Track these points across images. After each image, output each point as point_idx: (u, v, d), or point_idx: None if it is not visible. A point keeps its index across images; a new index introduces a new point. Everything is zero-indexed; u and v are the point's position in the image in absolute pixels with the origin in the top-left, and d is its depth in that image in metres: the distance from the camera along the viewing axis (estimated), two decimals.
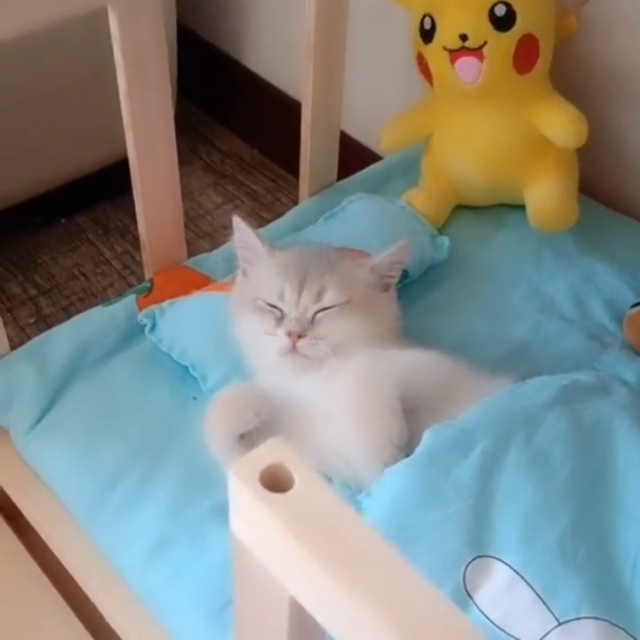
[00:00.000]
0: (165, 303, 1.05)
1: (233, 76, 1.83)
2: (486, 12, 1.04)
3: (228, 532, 0.88)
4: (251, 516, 0.47)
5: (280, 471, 0.47)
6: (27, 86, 1.43)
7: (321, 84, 1.14)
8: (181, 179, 1.09)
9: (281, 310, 0.91)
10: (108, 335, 1.04)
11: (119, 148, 1.63)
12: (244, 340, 0.96)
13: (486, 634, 0.52)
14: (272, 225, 1.21)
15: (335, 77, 1.16)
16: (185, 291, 1.07)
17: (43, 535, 0.98)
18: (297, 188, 1.76)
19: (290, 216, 1.23)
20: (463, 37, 1.05)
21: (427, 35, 1.09)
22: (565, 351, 1.05)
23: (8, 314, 1.49)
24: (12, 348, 1.04)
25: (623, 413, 0.87)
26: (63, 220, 1.66)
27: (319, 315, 0.91)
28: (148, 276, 1.13)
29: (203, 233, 1.65)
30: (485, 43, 1.05)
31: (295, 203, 1.71)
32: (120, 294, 1.48)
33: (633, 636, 0.73)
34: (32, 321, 1.48)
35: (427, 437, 0.82)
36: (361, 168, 1.34)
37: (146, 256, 1.10)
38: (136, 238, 1.64)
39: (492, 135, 1.14)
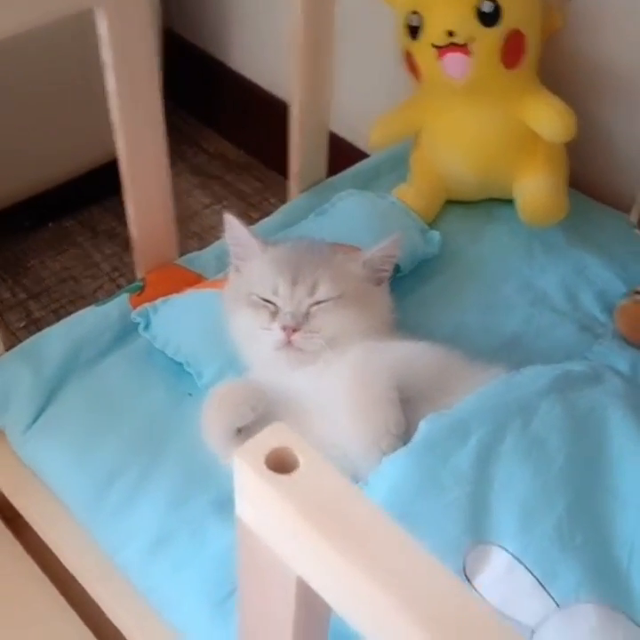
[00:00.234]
0: (158, 301, 1.05)
1: (218, 78, 1.84)
2: (473, 8, 1.05)
3: (227, 525, 0.89)
4: (257, 498, 0.48)
5: (285, 454, 0.47)
6: (12, 89, 1.43)
7: (309, 81, 1.15)
8: None
9: (275, 305, 0.92)
10: (101, 334, 1.04)
11: (106, 150, 1.63)
12: (239, 335, 0.96)
13: None
14: (262, 222, 1.21)
15: (323, 75, 1.17)
16: (177, 289, 1.07)
17: (41, 534, 0.98)
18: (285, 187, 1.77)
19: (280, 214, 1.24)
20: (450, 33, 1.06)
21: (414, 31, 1.10)
22: (557, 342, 1.06)
23: None
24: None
25: (617, 401, 0.87)
26: (51, 224, 1.66)
27: (313, 308, 0.91)
28: (139, 275, 1.13)
29: (191, 233, 1.65)
30: (472, 38, 1.06)
31: (283, 202, 1.71)
32: (110, 296, 1.48)
33: (632, 619, 0.73)
34: (23, 325, 1.48)
35: (423, 426, 0.82)
36: (349, 167, 1.34)
37: (137, 255, 1.10)
38: (125, 240, 1.65)
39: (481, 130, 1.15)
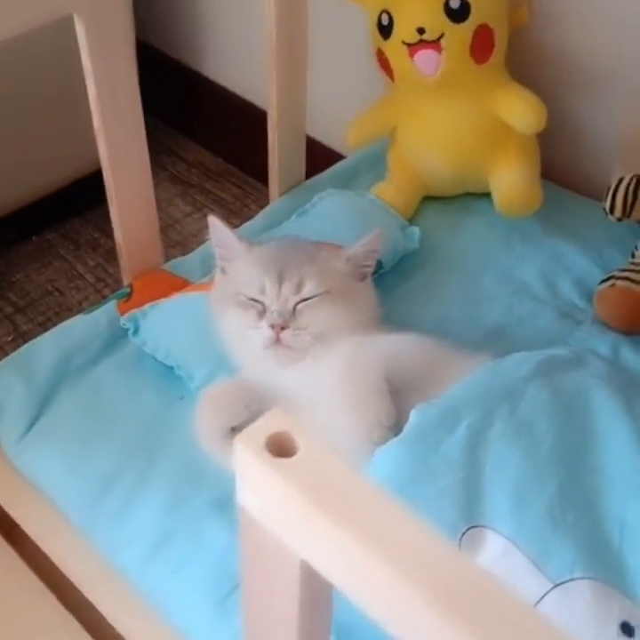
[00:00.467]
0: (146, 306, 1.06)
1: (193, 87, 1.85)
2: (442, 5, 1.07)
3: (225, 525, 0.90)
4: (259, 483, 0.49)
5: (284, 438, 0.48)
6: None
7: (285, 85, 1.17)
8: None
9: (262, 303, 0.93)
10: (91, 341, 1.05)
11: (86, 162, 1.64)
12: (228, 336, 0.97)
13: None
14: (244, 226, 1.23)
15: (298, 78, 1.18)
16: (164, 294, 1.08)
17: (39, 543, 0.98)
18: (264, 193, 1.78)
19: (261, 216, 1.25)
20: (421, 31, 1.08)
21: (385, 31, 1.12)
22: (539, 330, 1.08)
23: None
24: None
25: (600, 383, 0.89)
26: (34, 238, 1.67)
27: (300, 306, 0.93)
28: (126, 281, 1.14)
29: (173, 242, 1.66)
30: (442, 35, 1.08)
31: (263, 208, 1.73)
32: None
33: (625, 594, 0.75)
34: (10, 339, 1.48)
35: (413, 416, 0.84)
36: (326, 169, 1.36)
37: (123, 262, 1.11)
38: (108, 251, 1.66)
39: (455, 125, 1.17)
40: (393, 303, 1.07)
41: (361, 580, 0.46)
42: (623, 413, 0.85)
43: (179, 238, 1.68)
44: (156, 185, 1.77)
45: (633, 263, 1.10)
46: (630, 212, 1.11)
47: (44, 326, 1.50)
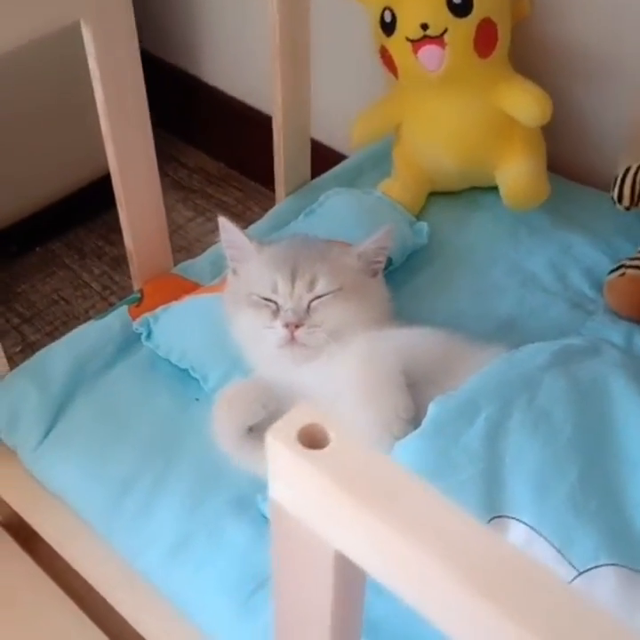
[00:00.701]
0: (158, 310, 1.06)
1: (192, 93, 1.85)
2: (444, 0, 1.07)
3: (244, 524, 0.90)
4: (292, 476, 0.49)
5: (315, 430, 0.48)
6: None
7: (289, 86, 1.17)
8: None
9: (276, 303, 0.93)
10: (104, 346, 1.05)
11: (89, 170, 1.66)
12: (242, 336, 0.97)
13: None
14: (251, 228, 1.23)
15: (302, 79, 1.19)
16: (175, 297, 1.08)
17: (58, 550, 0.98)
18: (267, 196, 1.79)
19: (269, 217, 1.25)
20: (424, 26, 1.08)
21: (388, 28, 1.12)
22: (551, 321, 1.09)
23: None
24: None
25: (617, 371, 0.89)
26: (38, 248, 1.67)
27: (314, 303, 0.93)
28: (136, 286, 1.14)
29: (178, 247, 1.66)
30: (446, 30, 1.08)
31: (266, 210, 1.73)
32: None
33: None
34: (18, 349, 1.48)
35: (432, 409, 0.84)
36: (329, 170, 1.36)
37: (133, 267, 1.11)
38: (112, 259, 1.66)
39: (460, 120, 1.17)
40: (403, 299, 1.08)
41: (397, 567, 0.46)
42: None
43: (183, 243, 1.68)
44: None
45: None
46: (638, 201, 1.11)
47: (52, 336, 1.50)
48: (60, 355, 1.04)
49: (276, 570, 0.58)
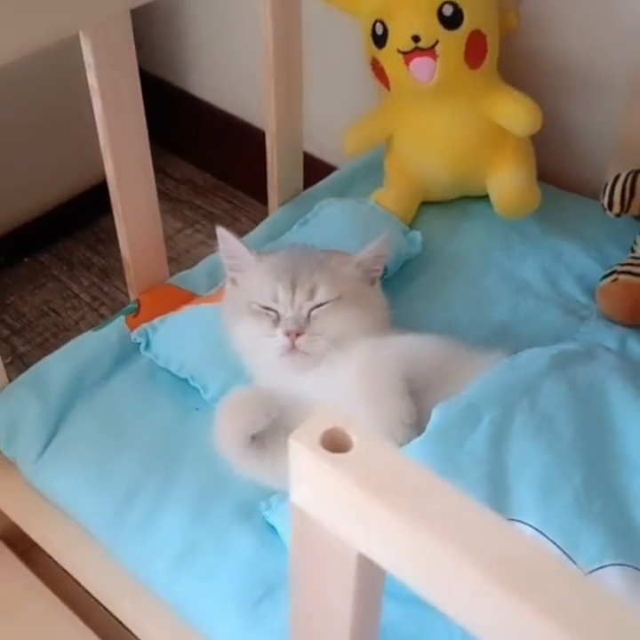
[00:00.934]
0: (156, 320, 1.06)
1: (177, 104, 1.86)
2: (435, 13, 1.09)
3: (249, 531, 0.90)
4: (315, 480, 0.49)
5: (338, 434, 0.49)
6: None
7: (282, 99, 1.18)
8: None
9: (276, 311, 0.94)
10: (102, 357, 1.05)
11: (75, 183, 1.66)
12: (242, 345, 0.98)
13: None
14: (246, 237, 1.23)
15: (295, 92, 1.20)
16: (172, 307, 1.09)
17: (60, 562, 0.98)
18: (255, 207, 1.80)
19: (263, 227, 1.26)
20: (416, 39, 1.09)
21: (379, 40, 1.13)
22: (545, 327, 1.10)
23: None
24: None
25: (613, 374, 0.91)
26: (26, 259, 1.66)
27: (314, 312, 0.94)
28: (133, 297, 1.14)
29: (168, 258, 1.66)
30: (437, 42, 1.09)
31: (254, 221, 1.73)
32: (93, 326, 1.49)
33: None
34: (8, 360, 1.47)
35: (435, 414, 0.85)
36: (320, 181, 1.37)
37: (130, 277, 1.12)
38: (101, 270, 1.66)
39: (451, 130, 1.18)
40: (398, 307, 1.08)
41: (424, 568, 0.47)
42: (639, 402, 0.87)
43: (172, 254, 1.68)
44: None
45: (633, 257, 1.12)
46: (628, 208, 1.13)
47: (42, 347, 1.50)
48: (58, 366, 1.04)
49: (293, 573, 0.58)
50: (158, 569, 0.89)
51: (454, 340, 0.96)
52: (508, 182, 1.17)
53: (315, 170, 1.45)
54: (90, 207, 1.66)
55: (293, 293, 0.94)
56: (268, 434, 0.91)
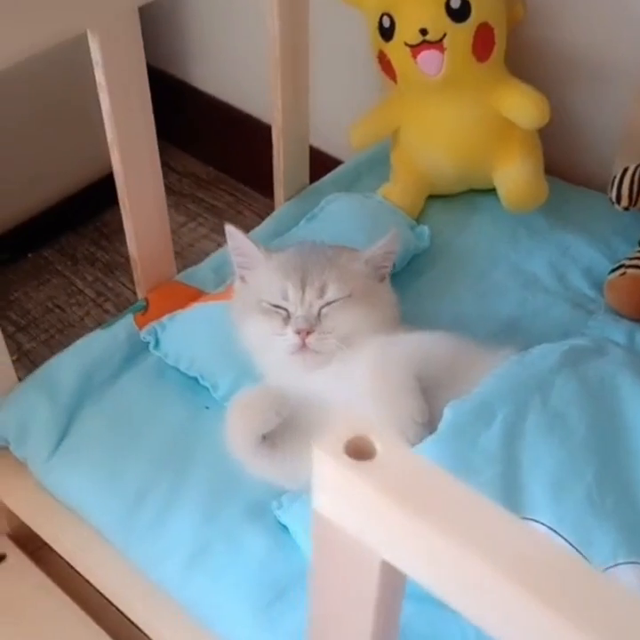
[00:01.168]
0: (165, 318, 1.06)
1: (179, 97, 1.84)
2: (443, 5, 1.08)
3: (261, 531, 0.90)
4: (339, 488, 0.49)
5: (362, 442, 0.49)
6: None
7: (289, 93, 1.17)
8: None
9: (286, 310, 0.94)
10: (112, 356, 1.04)
11: (78, 177, 1.65)
12: (252, 343, 0.97)
13: None
14: (253, 232, 1.22)
15: (301, 86, 1.19)
16: (180, 305, 1.08)
17: (72, 562, 0.98)
18: (258, 200, 1.79)
19: (270, 222, 1.25)
20: (423, 32, 1.08)
21: (386, 33, 1.13)
22: (554, 321, 1.10)
23: None
24: None
25: (624, 369, 0.91)
26: (30, 255, 1.66)
27: (324, 310, 0.93)
28: (140, 294, 1.14)
29: None
30: (445, 35, 1.09)
31: (258, 214, 1.73)
32: (98, 322, 1.49)
33: None
34: (15, 358, 1.46)
35: (448, 413, 0.85)
36: (325, 175, 1.36)
37: (137, 275, 1.11)
38: (105, 265, 1.66)
39: (458, 123, 1.18)
40: (406, 302, 1.08)
41: (450, 575, 0.47)
42: None
43: (176, 248, 1.65)
44: None
45: None
46: (636, 201, 1.12)
47: (48, 344, 1.50)
48: (67, 365, 1.03)
49: (314, 579, 0.58)
50: (170, 569, 0.89)
51: (464, 337, 0.96)
52: (515, 176, 1.17)
53: (321, 163, 1.44)
54: (93, 202, 1.66)
55: (303, 291, 0.93)
56: (279, 433, 0.91)
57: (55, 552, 1.01)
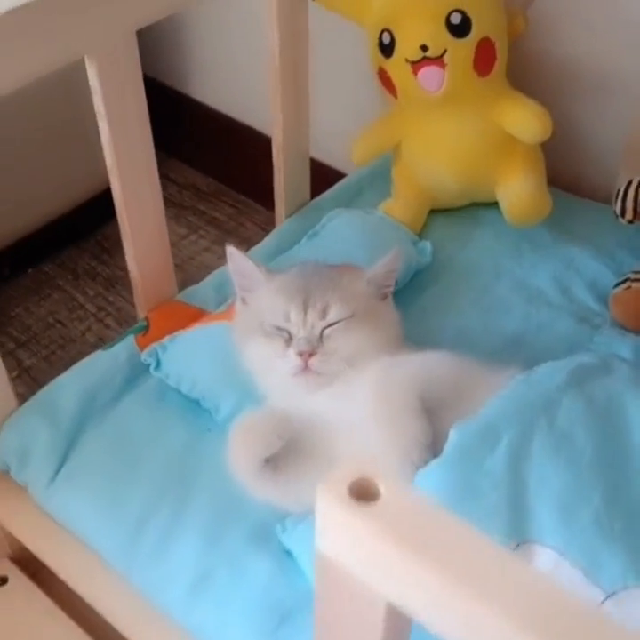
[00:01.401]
0: (165, 339, 1.05)
1: (179, 109, 1.84)
2: (443, 21, 1.07)
3: (265, 556, 0.89)
4: (343, 530, 0.48)
5: (365, 484, 0.48)
6: None
7: (289, 107, 1.17)
8: None
9: (288, 331, 0.93)
10: (113, 378, 1.03)
11: (77, 193, 1.64)
12: (254, 365, 0.96)
13: None
14: (254, 250, 1.22)
15: (301, 99, 1.18)
16: (181, 325, 1.07)
17: (75, 587, 0.97)
18: (259, 211, 1.79)
19: (271, 239, 1.24)
20: (424, 48, 1.08)
21: (386, 49, 1.12)
22: (559, 336, 1.09)
23: None
24: None
25: (631, 388, 0.90)
26: (30, 270, 1.65)
27: (326, 331, 0.92)
28: (141, 313, 1.13)
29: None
30: (445, 51, 1.08)
31: (259, 226, 1.73)
32: (99, 337, 1.48)
33: None
34: (15, 374, 1.46)
35: (453, 435, 0.84)
36: (327, 187, 1.36)
37: (138, 295, 1.10)
38: (106, 279, 1.65)
39: (460, 138, 1.17)
40: (410, 318, 1.07)
41: (455, 619, 0.46)
42: None
43: (177, 261, 1.65)
44: None
45: None
46: None
47: (49, 360, 1.49)
48: (68, 388, 1.02)
49: (319, 620, 0.58)
50: (174, 595, 0.88)
51: (468, 356, 0.94)
52: (517, 190, 1.16)
53: (322, 176, 1.44)
54: (93, 216, 1.66)
55: (305, 313, 0.92)
56: (282, 455, 0.90)
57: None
